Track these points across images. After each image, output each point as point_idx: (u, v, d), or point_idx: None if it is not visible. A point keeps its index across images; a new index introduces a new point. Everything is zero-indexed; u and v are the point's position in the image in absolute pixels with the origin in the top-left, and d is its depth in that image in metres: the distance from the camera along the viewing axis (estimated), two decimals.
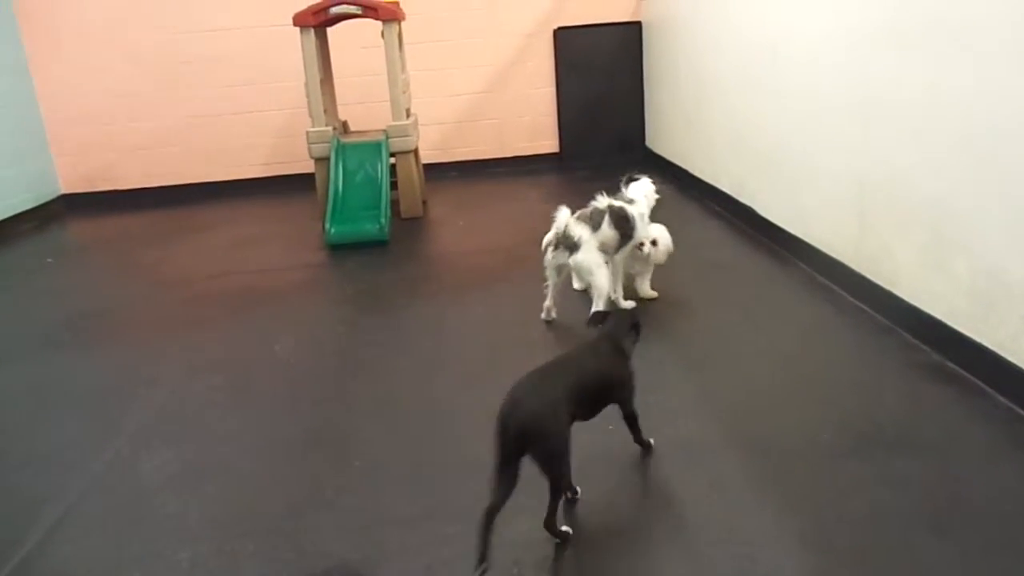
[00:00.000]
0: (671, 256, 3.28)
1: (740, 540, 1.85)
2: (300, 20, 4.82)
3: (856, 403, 2.43)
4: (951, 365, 2.57)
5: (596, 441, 2.29)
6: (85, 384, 3.01)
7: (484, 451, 2.30)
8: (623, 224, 3.09)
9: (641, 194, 3.23)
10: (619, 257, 3.16)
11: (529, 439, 1.75)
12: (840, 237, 3.29)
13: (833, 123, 3.27)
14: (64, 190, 6.35)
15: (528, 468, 1.78)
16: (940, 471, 2.05)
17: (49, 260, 4.94)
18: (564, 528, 1.88)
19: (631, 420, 2.18)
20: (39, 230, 5.73)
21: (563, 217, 2.97)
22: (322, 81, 5.02)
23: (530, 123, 6.59)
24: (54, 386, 3.01)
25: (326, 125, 5.01)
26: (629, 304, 3.22)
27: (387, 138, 5.01)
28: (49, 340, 3.49)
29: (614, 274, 3.16)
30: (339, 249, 4.56)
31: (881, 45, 2.87)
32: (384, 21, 4.85)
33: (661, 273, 3.37)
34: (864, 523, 1.87)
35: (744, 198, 4.37)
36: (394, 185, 5.10)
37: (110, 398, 2.86)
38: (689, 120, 5.35)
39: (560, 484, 1.82)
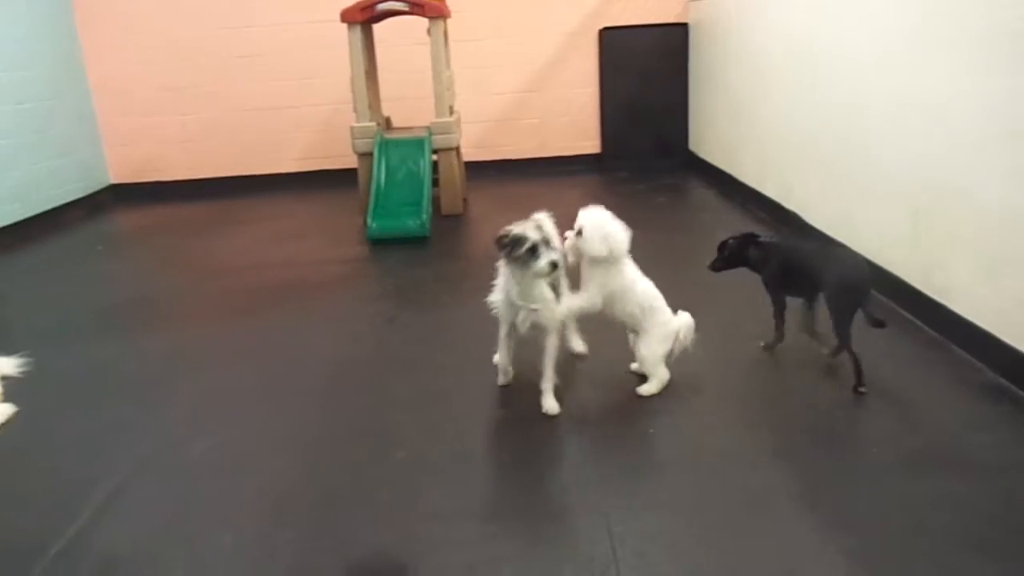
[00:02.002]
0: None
1: (782, 555, 1.82)
2: (348, 16, 4.86)
3: (904, 418, 2.38)
4: (1006, 383, 2.49)
5: (639, 449, 2.28)
6: (132, 369, 3.07)
7: (525, 450, 2.31)
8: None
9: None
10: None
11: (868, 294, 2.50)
12: (891, 246, 3.22)
13: (889, 127, 3.21)
14: (113, 180, 6.48)
15: None
16: (993, 492, 1.99)
17: (100, 247, 5.05)
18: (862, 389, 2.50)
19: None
20: (89, 218, 5.86)
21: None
22: (367, 77, 5.05)
23: (572, 123, 6.57)
24: (103, 369, 3.07)
25: (370, 121, 5.05)
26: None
27: (430, 135, 5.03)
28: (98, 325, 3.56)
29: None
30: (380, 244, 4.60)
31: (945, 46, 2.80)
32: (431, 18, 4.87)
33: (700, 278, 3.28)
34: (912, 542, 1.83)
35: (791, 204, 4.31)
36: (435, 182, 5.12)
37: (156, 383, 2.91)
38: (735, 124, 5.29)
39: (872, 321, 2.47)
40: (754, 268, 2.79)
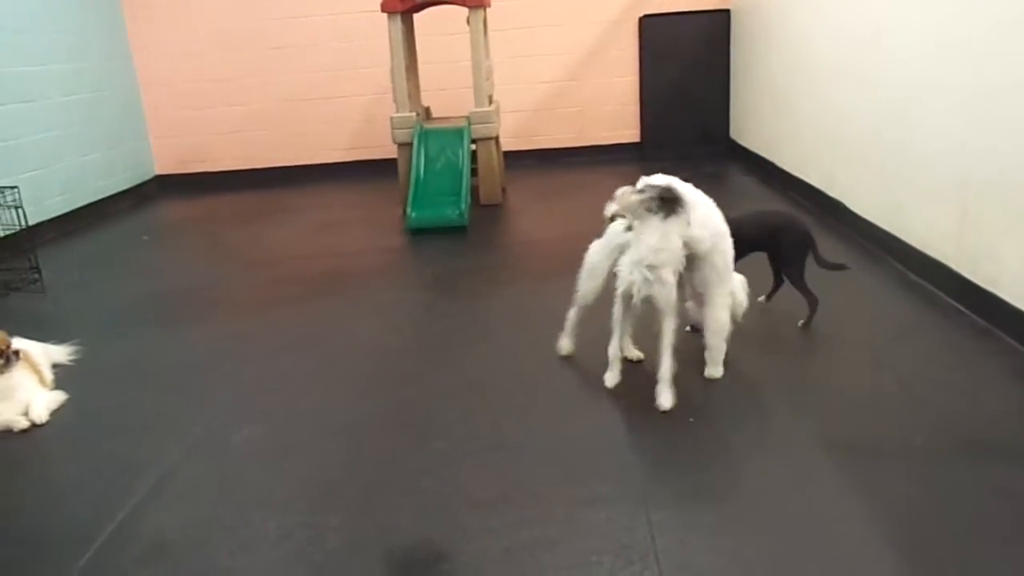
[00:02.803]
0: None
1: (825, 544, 1.80)
2: (388, 6, 4.88)
3: (953, 407, 2.33)
4: None
5: (677, 437, 2.26)
6: (178, 357, 3.13)
7: (562, 438, 2.31)
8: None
9: None
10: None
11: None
12: (939, 234, 3.14)
13: (937, 113, 3.12)
14: (159, 171, 6.62)
15: None
16: None
17: (145, 237, 5.17)
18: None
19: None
20: (135, 209, 5.99)
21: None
22: (407, 67, 5.07)
23: (611, 112, 6.52)
24: (149, 358, 3.14)
25: (410, 111, 5.07)
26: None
27: (469, 124, 5.04)
28: (145, 314, 3.65)
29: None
30: (419, 234, 4.62)
31: (1004, 31, 2.70)
32: (471, 7, 4.87)
33: (749, 269, 3.23)
34: (963, 532, 1.79)
35: (834, 192, 4.22)
36: (474, 172, 5.12)
37: (201, 371, 2.97)
38: (777, 111, 5.19)
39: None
40: None
